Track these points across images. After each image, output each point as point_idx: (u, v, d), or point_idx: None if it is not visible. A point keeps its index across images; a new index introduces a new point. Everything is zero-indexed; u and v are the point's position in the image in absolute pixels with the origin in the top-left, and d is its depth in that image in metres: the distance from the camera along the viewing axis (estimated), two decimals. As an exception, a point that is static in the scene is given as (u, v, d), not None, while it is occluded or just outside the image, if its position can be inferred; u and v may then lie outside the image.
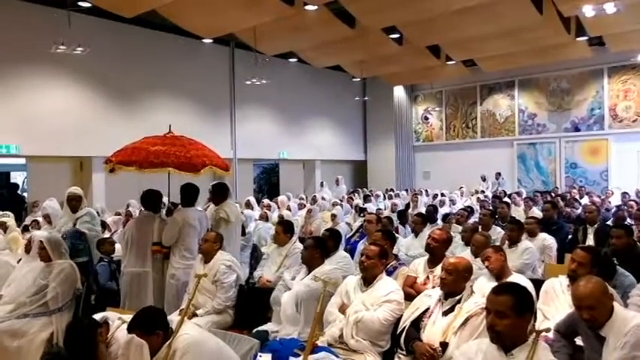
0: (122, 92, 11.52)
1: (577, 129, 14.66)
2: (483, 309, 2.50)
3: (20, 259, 4.60)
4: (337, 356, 2.92)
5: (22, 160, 11.35)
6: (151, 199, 4.81)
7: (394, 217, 8.29)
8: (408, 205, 10.12)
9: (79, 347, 2.53)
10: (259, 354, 2.81)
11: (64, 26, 8.46)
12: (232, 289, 3.96)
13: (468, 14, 9.47)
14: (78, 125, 10.71)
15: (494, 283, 3.38)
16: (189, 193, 4.80)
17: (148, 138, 5.11)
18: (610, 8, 7.98)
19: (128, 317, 2.61)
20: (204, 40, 12.20)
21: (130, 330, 2.47)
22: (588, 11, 8.28)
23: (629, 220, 6.74)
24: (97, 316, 2.74)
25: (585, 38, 11.67)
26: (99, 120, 11.10)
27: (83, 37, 9.08)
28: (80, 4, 9.00)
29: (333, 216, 7.94)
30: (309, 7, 9.05)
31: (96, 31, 10.65)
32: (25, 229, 7.03)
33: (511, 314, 2.17)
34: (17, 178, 13.21)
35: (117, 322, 2.67)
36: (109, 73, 11.19)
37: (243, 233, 5.74)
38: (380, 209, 9.48)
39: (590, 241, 5.44)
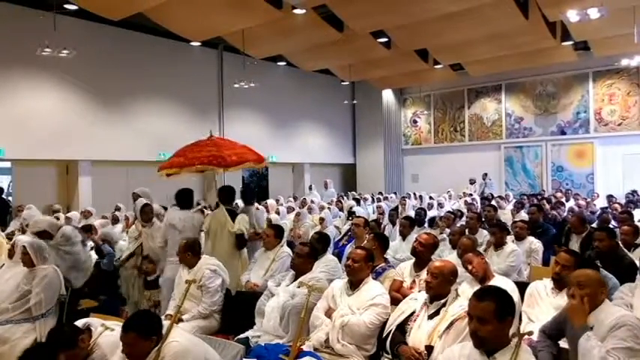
0: (109, 95, 11.44)
1: (563, 132, 14.83)
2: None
3: (3, 265, 4.53)
4: (322, 361, 2.92)
5: (7, 164, 11.21)
6: (249, 195, 5.70)
7: (385, 218, 8.32)
8: (396, 208, 10.14)
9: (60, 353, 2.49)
10: (244, 359, 2.80)
11: (50, 29, 8.39)
12: (218, 294, 3.94)
13: (456, 19, 9.55)
14: (64, 129, 10.61)
15: (478, 287, 3.40)
16: (180, 195, 5.28)
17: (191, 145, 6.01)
18: (594, 13, 8.06)
19: (111, 323, 2.59)
20: (192, 43, 12.16)
21: (125, 329, 2.40)
22: (572, 16, 8.36)
23: (613, 223, 6.82)
24: (80, 322, 2.70)
25: (570, 43, 11.83)
26: (85, 123, 11.01)
27: (70, 40, 9.01)
28: (67, 6, 8.92)
29: (322, 219, 7.93)
30: (297, 11, 9.07)
31: (82, 33, 10.58)
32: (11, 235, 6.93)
33: (493, 320, 2.18)
34: (2, 182, 13.04)
35: (99, 328, 2.63)
36: (95, 76, 11.10)
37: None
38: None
39: (574, 248, 5.45)
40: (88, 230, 6.52)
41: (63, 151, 10.62)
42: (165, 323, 2.57)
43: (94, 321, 2.74)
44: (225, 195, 5.42)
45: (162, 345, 2.40)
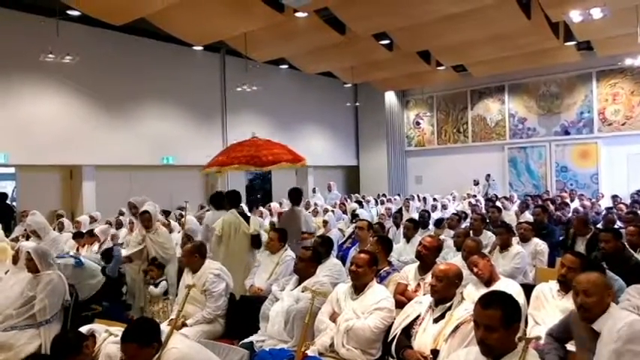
0: (112, 100, 11.47)
1: (567, 132, 14.77)
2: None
3: (7, 271, 4.54)
4: (326, 366, 2.90)
5: (11, 169, 11.25)
6: (296, 195, 6.26)
7: (389, 222, 8.29)
8: (400, 211, 10.12)
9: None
10: (248, 365, 2.79)
11: (53, 35, 8.42)
12: (222, 298, 3.92)
13: (458, 20, 9.53)
14: (67, 134, 10.64)
15: (483, 289, 3.39)
16: (214, 198, 5.92)
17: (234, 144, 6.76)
18: (596, 13, 8.04)
19: (115, 329, 2.57)
20: (194, 48, 12.19)
21: (125, 341, 2.37)
22: (575, 16, 8.33)
23: (618, 223, 6.78)
24: (84, 329, 2.69)
25: (573, 43, 11.78)
26: (89, 128, 11.04)
27: (72, 46, 9.04)
28: (69, 12, 8.95)
29: (325, 222, 7.92)
30: (299, 14, 9.07)
31: (85, 39, 10.62)
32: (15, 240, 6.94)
33: (500, 327, 2.15)
34: (6, 187, 13.09)
35: (104, 334, 2.62)
36: (98, 81, 11.14)
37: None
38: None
39: (580, 249, 5.41)
40: (92, 235, 6.54)
41: (66, 156, 10.66)
42: (167, 328, 2.56)
43: (99, 327, 2.73)
44: (232, 198, 5.63)
45: (161, 352, 2.37)
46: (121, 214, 9.37)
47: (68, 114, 10.82)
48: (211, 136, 13.64)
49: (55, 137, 10.40)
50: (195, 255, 4.06)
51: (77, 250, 6.56)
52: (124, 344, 2.36)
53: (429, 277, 3.51)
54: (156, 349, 2.39)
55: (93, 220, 8.93)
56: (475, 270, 3.63)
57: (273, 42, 10.76)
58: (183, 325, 3.75)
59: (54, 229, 6.69)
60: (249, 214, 9.63)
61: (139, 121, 12.00)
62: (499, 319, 2.15)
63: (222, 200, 5.81)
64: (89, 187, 11.20)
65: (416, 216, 8.03)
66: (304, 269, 3.67)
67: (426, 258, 3.92)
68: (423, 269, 3.90)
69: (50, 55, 8.44)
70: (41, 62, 8.68)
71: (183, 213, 7.53)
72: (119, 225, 8.57)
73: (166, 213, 9.12)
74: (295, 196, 6.28)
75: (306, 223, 6.11)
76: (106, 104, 11.38)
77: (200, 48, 12.35)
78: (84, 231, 7.29)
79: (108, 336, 2.60)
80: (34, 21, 9.82)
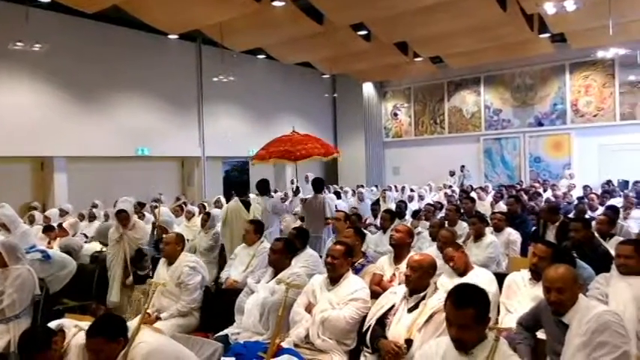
0: (85, 90, 11.21)
1: (540, 124, 15.03)
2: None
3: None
4: (301, 358, 2.90)
5: (-20, 161, 10.93)
6: (319, 184, 6.99)
7: (367, 206, 8.35)
8: (378, 201, 10.16)
9: (33, 356, 2.43)
10: (222, 358, 2.76)
11: (23, 22, 8.16)
12: (197, 291, 3.89)
13: (434, 11, 9.58)
14: (38, 124, 10.37)
15: (457, 279, 3.43)
16: (260, 184, 6.38)
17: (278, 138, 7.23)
18: (570, 6, 8.19)
19: (85, 324, 2.52)
20: (169, 36, 11.97)
21: (91, 336, 2.34)
22: (549, 8, 8.48)
23: (589, 213, 6.93)
24: (53, 324, 2.63)
25: (547, 35, 11.95)
26: (60, 119, 10.78)
27: (43, 34, 8.80)
28: (39, -1, 8.71)
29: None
30: (275, 3, 8.98)
31: (56, 27, 10.33)
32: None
33: (474, 325, 2.17)
34: (-25, 179, 12.73)
35: (73, 329, 2.57)
36: (70, 71, 10.86)
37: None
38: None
39: (550, 238, 5.50)
40: (63, 229, 6.40)
41: (37, 147, 10.40)
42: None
43: (68, 322, 2.67)
44: (240, 189, 6.48)
45: (129, 348, 2.34)
46: (94, 206, 9.20)
47: (38, 104, 10.53)
48: (187, 126, 13.47)
49: (25, 128, 10.12)
50: (178, 244, 4.07)
51: (49, 243, 6.41)
52: (89, 339, 2.33)
53: (403, 266, 3.54)
54: (122, 344, 2.36)
55: (64, 212, 8.73)
56: (451, 264, 3.67)
57: (250, 31, 10.64)
58: (157, 318, 3.71)
59: (25, 222, 6.53)
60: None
61: (112, 112, 11.76)
62: (472, 317, 2.17)
63: (266, 186, 6.52)
64: (61, 179, 10.96)
65: (393, 206, 8.07)
66: (278, 261, 3.65)
67: (400, 241, 3.97)
68: (397, 258, 3.94)
69: (19, 44, 8.20)
70: (10, 51, 8.41)
71: (158, 205, 7.44)
72: (92, 217, 8.41)
73: (141, 205, 8.97)
74: (318, 185, 7.01)
75: (330, 210, 6.68)
76: (78, 94, 11.11)
77: (175, 37, 12.14)
78: (55, 225, 7.12)
79: (77, 331, 2.55)
80: (2, 8, 9.50)
